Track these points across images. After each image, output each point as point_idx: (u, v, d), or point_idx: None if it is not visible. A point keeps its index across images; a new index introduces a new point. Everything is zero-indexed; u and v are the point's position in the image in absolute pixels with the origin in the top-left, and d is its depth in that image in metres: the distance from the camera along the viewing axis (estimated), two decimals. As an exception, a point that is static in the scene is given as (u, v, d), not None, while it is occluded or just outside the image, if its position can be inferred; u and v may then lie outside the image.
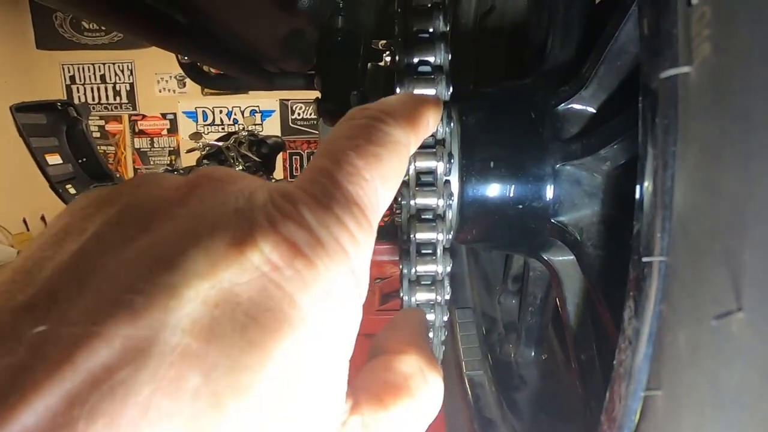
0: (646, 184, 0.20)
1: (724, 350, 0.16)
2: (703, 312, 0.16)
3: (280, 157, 5.44)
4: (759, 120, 0.15)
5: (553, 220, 0.44)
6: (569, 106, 0.45)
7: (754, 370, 0.15)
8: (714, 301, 0.16)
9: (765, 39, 0.14)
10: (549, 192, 0.44)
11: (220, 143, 3.97)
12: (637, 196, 0.20)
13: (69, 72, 6.22)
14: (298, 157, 6.26)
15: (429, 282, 0.42)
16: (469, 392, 0.79)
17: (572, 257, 0.45)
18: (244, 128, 4.52)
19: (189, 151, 4.21)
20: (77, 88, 6.25)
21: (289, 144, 6.04)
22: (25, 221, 6.10)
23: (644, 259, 0.19)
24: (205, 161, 3.71)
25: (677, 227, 0.18)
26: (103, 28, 5.94)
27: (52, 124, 2.99)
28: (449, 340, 0.88)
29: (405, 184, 0.39)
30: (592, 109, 0.44)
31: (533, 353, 0.75)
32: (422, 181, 0.39)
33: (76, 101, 5.93)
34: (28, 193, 5.49)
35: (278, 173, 5.52)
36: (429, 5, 0.40)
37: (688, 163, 0.17)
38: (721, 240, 0.16)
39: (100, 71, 6.20)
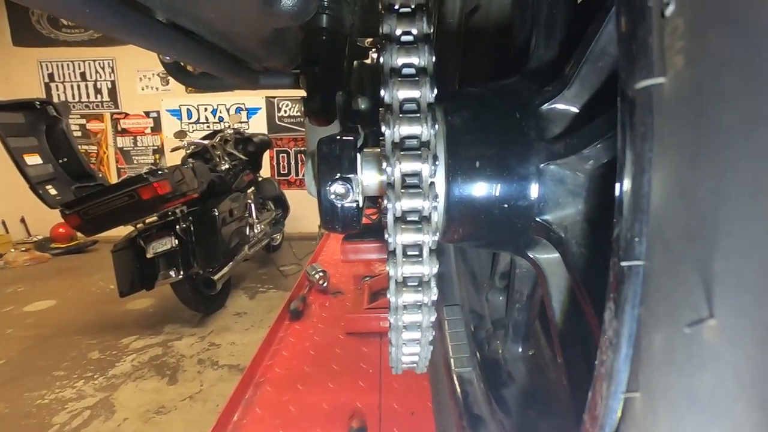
0: (624, 188, 0.20)
1: (697, 355, 0.16)
2: (678, 317, 0.17)
3: (267, 155, 5.40)
4: (729, 132, 0.15)
5: (538, 219, 0.45)
6: (553, 105, 0.45)
7: (727, 375, 0.15)
8: (688, 307, 0.16)
9: (736, 52, 0.15)
10: (534, 191, 0.44)
11: (206, 141, 3.92)
12: (617, 199, 0.21)
13: (47, 70, 6.06)
14: (285, 155, 6.21)
15: (416, 283, 0.43)
16: (458, 389, 0.80)
17: (557, 255, 0.45)
18: (229, 126, 4.47)
19: (174, 149, 4.14)
20: (56, 86, 6.10)
21: (275, 142, 5.98)
22: (3, 223, 5.95)
23: (623, 263, 0.19)
24: (190, 160, 3.66)
25: (654, 232, 0.18)
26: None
27: (31, 124, 2.91)
28: (438, 337, 0.89)
29: (390, 186, 0.39)
30: (575, 109, 0.45)
31: (520, 349, 0.76)
32: (407, 184, 0.39)
33: (55, 99, 5.79)
34: (7, 195, 5.35)
35: (265, 171, 5.48)
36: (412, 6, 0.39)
37: (664, 170, 0.18)
38: (695, 247, 0.16)
39: (80, 69, 6.06)
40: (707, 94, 0.16)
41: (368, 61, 1.24)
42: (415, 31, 0.39)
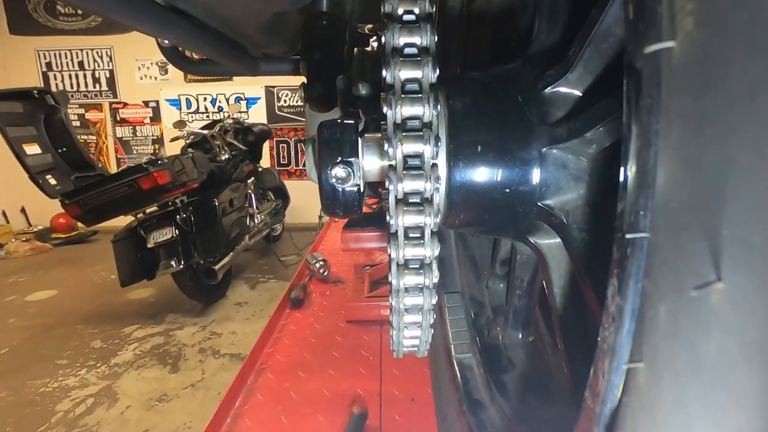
0: (629, 162, 0.20)
1: (702, 321, 0.16)
2: (683, 285, 0.17)
3: (266, 145, 5.38)
4: (738, 94, 0.15)
5: (539, 204, 0.45)
6: (556, 89, 0.45)
7: (731, 340, 0.15)
8: (694, 273, 0.16)
9: (745, 13, 0.14)
10: (536, 176, 0.44)
11: (205, 131, 3.91)
12: (621, 175, 0.21)
13: (45, 59, 6.01)
14: (285, 145, 6.19)
15: (417, 266, 0.43)
16: (459, 375, 0.80)
17: (558, 240, 0.45)
18: (229, 116, 4.45)
19: (173, 139, 4.12)
20: (54, 75, 6.06)
21: (275, 132, 5.96)
22: (4, 213, 5.95)
23: (627, 236, 0.19)
24: (189, 150, 3.65)
25: (659, 204, 0.18)
26: (79, 12, 5.74)
27: (29, 113, 2.90)
28: (438, 324, 0.89)
29: (392, 168, 0.39)
30: (578, 92, 0.44)
31: (520, 335, 0.76)
32: (409, 165, 0.39)
33: (53, 89, 5.75)
34: (7, 185, 5.34)
35: (265, 161, 5.46)
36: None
37: (670, 141, 0.18)
38: (701, 215, 0.16)
39: (78, 57, 6.01)
40: (715, 57, 0.15)
41: (369, 49, 1.23)
42: (417, 10, 0.38)
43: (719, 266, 0.15)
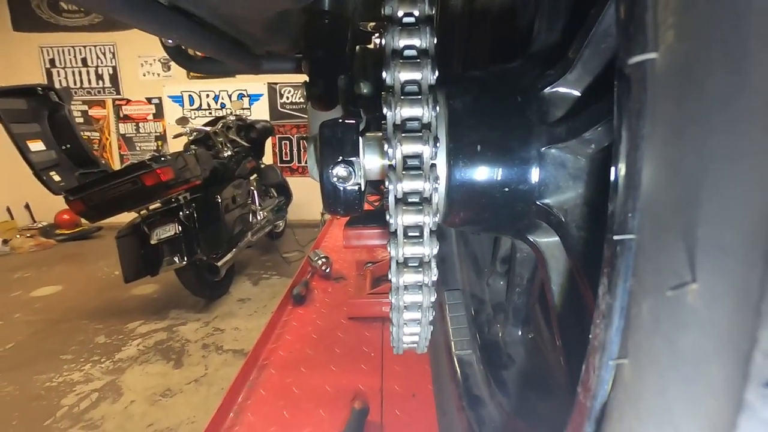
0: (619, 165, 0.21)
1: (680, 319, 0.17)
2: (663, 284, 0.17)
3: (269, 142, 5.38)
4: (714, 104, 0.15)
5: (538, 203, 0.45)
6: (555, 89, 0.45)
7: (707, 336, 0.16)
8: (673, 273, 0.17)
9: (723, 28, 0.15)
10: (535, 175, 0.45)
11: (208, 128, 3.91)
12: (612, 177, 0.21)
13: (48, 55, 6.03)
14: (287, 142, 6.20)
15: (416, 264, 0.43)
16: (458, 371, 0.81)
17: (557, 239, 0.46)
18: (232, 113, 4.45)
19: (176, 136, 4.13)
20: (58, 71, 6.07)
21: (278, 128, 5.96)
22: (9, 210, 5.99)
23: (616, 237, 0.20)
24: (192, 146, 3.65)
25: (645, 206, 0.19)
26: (82, 9, 5.74)
27: (33, 110, 2.91)
28: (439, 320, 0.90)
29: (392, 168, 0.40)
30: (577, 93, 0.45)
31: (520, 332, 0.77)
32: (408, 165, 0.40)
33: (57, 85, 5.76)
34: (11, 181, 5.37)
35: (267, 158, 5.47)
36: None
37: (655, 145, 0.18)
38: (680, 216, 0.17)
39: (81, 54, 6.03)
40: (694, 69, 0.16)
41: (371, 46, 1.23)
42: (417, 13, 0.39)
43: (694, 268, 0.16)
